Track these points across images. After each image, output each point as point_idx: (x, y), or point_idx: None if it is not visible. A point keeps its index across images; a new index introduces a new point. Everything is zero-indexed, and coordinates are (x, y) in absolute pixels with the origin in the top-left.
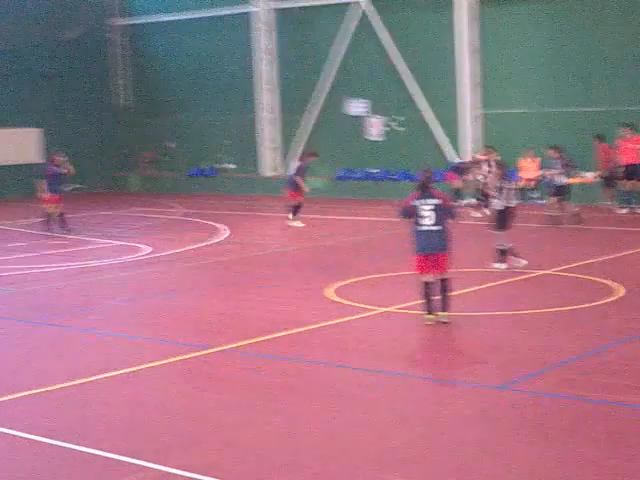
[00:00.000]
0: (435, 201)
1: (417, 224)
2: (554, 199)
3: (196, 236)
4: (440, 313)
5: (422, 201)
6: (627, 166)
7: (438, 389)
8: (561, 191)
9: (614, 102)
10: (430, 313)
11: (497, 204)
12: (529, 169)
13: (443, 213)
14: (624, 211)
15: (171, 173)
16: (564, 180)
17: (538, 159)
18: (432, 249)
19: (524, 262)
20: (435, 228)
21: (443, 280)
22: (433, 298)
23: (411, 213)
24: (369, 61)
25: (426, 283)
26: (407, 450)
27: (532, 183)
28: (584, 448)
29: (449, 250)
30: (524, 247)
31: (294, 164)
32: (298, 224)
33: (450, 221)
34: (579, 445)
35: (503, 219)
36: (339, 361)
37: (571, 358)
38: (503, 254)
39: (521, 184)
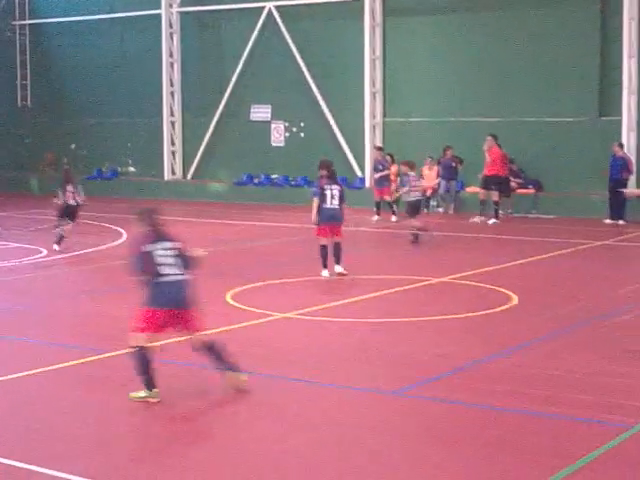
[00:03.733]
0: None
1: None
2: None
3: (94, 239)
4: (239, 375)
5: (158, 245)
6: (485, 177)
7: (332, 394)
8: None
9: (509, 113)
10: (151, 388)
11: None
12: (429, 177)
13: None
14: (477, 219)
15: None
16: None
17: (436, 167)
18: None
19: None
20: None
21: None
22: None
23: (145, 263)
24: (273, 66)
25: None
26: (302, 457)
27: (430, 191)
28: (474, 452)
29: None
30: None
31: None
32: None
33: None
34: (469, 449)
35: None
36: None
37: (465, 365)
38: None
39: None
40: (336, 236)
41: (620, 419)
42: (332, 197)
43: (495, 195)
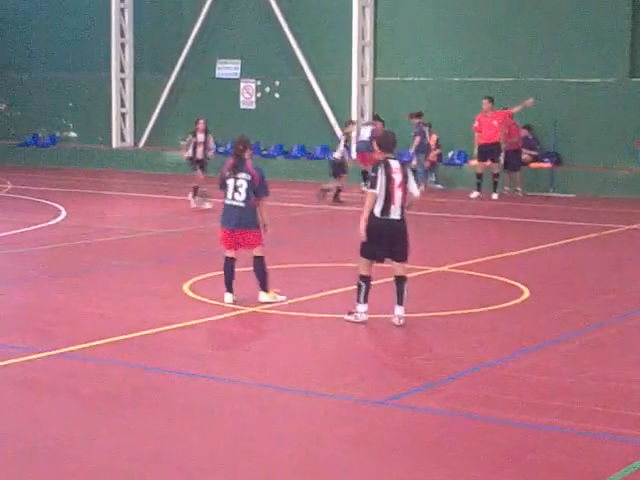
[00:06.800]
0: None
1: None
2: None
3: (27, 217)
4: None
5: None
6: (481, 146)
7: (308, 403)
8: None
9: (524, 72)
10: None
11: None
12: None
13: None
14: (475, 195)
15: (0, 141)
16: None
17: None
18: None
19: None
20: None
21: None
22: None
23: None
24: (243, 14)
25: None
26: (275, 473)
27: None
28: (472, 471)
29: None
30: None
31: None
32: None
33: None
34: (467, 467)
35: None
36: (198, 370)
37: (465, 370)
38: None
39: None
40: (245, 247)
41: None
42: (235, 189)
43: (495, 167)
